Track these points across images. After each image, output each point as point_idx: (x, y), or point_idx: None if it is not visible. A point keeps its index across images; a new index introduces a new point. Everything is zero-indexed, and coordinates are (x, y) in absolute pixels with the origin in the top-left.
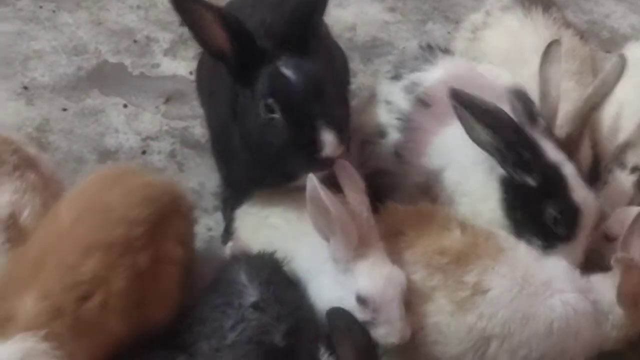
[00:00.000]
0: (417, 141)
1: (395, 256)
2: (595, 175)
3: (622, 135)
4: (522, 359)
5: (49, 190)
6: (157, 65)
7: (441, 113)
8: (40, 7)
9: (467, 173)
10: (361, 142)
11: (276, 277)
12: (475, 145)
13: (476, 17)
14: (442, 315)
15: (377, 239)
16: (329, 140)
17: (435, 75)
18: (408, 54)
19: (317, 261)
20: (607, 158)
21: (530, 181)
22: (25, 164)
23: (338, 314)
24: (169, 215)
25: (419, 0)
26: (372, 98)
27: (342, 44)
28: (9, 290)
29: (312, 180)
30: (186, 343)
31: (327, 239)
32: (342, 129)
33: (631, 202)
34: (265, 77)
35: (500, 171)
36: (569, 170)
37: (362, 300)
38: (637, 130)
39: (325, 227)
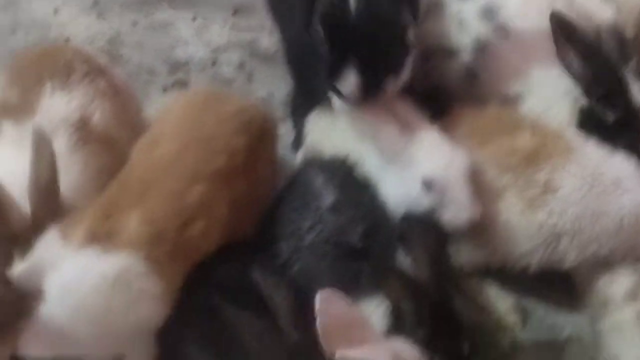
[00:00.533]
0: (494, 68)
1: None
2: None
3: None
4: (592, 255)
5: (119, 98)
6: None
7: (524, 42)
8: None
9: (550, 103)
10: (423, 53)
11: (350, 180)
12: (562, 77)
13: None
14: (512, 213)
15: (426, 125)
16: (350, 82)
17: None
18: None
19: (383, 161)
20: None
21: (610, 116)
22: (95, 71)
23: (414, 221)
24: (262, 139)
25: None
26: (436, 8)
27: None
28: (114, 208)
29: None
30: (265, 245)
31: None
32: (379, 77)
33: None
34: None
35: (582, 102)
36: None
37: (427, 184)
38: None
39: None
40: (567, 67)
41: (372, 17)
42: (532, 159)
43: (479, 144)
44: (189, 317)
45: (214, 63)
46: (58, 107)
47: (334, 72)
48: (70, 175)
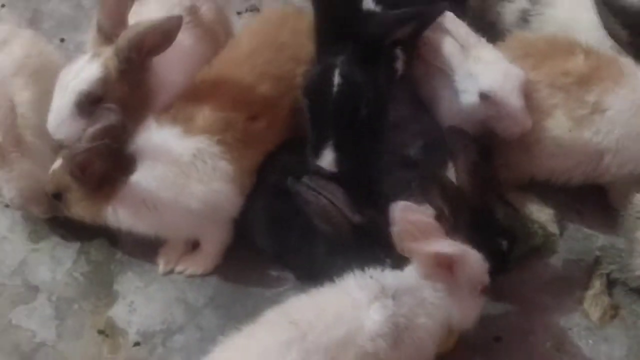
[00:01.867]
0: (547, 15)
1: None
2: None
3: None
4: (628, 172)
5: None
6: None
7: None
8: None
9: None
10: None
11: (414, 100)
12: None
13: None
14: (560, 130)
15: (485, 44)
16: (327, 159)
17: None
18: None
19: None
20: None
21: None
22: None
23: (456, 132)
24: None
25: None
26: None
27: None
28: (191, 97)
29: None
30: None
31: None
32: (355, 151)
33: None
34: (317, 69)
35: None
36: None
37: (484, 96)
38: None
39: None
40: (608, 28)
41: (350, 95)
42: (585, 80)
43: (533, 66)
44: (261, 198)
45: None
46: None
47: (316, 151)
48: (180, 46)
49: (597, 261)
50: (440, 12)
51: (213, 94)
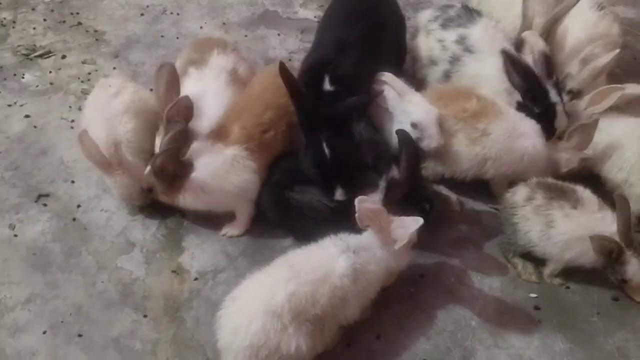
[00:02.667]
0: (462, 72)
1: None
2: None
3: (569, 47)
4: (502, 173)
5: (250, 65)
6: (296, 13)
7: (481, 57)
8: None
9: (496, 92)
10: (412, 58)
11: (367, 126)
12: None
13: None
14: (461, 146)
15: (414, 92)
16: (339, 194)
17: (477, 33)
18: (453, 12)
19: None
20: (560, 63)
21: (536, 109)
22: (236, 49)
23: (402, 133)
24: None
25: None
26: (419, 32)
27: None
28: (227, 122)
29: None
30: None
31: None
32: (356, 186)
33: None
34: (311, 146)
35: (517, 97)
36: (560, 108)
37: (414, 125)
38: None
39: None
40: (511, 80)
41: (339, 157)
42: (477, 115)
43: (444, 105)
44: (271, 187)
45: (290, 59)
46: (220, 62)
47: (329, 192)
48: (224, 99)
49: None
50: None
51: (240, 118)
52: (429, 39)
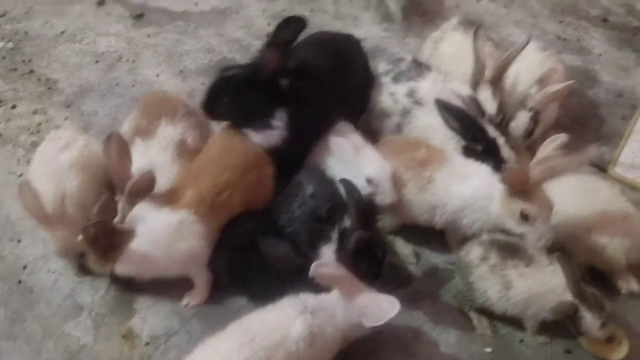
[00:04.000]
0: (413, 123)
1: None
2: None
3: (520, 91)
4: (449, 218)
5: (201, 128)
6: None
7: (430, 108)
8: (188, 25)
9: (445, 140)
10: (367, 110)
11: (323, 179)
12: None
13: (436, 34)
14: (411, 194)
15: (368, 145)
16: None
17: (426, 87)
18: (404, 66)
19: (343, 167)
20: (510, 106)
21: (479, 147)
22: (189, 111)
23: (346, 182)
24: (263, 155)
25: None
26: (379, 87)
27: None
28: (181, 183)
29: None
30: (273, 215)
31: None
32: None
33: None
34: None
35: (462, 142)
36: (501, 141)
37: (369, 180)
38: (533, 86)
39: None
40: (449, 126)
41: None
42: (424, 163)
43: (395, 156)
44: (226, 250)
45: None
46: (168, 133)
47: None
48: (170, 173)
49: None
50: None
51: (195, 181)
52: (382, 91)
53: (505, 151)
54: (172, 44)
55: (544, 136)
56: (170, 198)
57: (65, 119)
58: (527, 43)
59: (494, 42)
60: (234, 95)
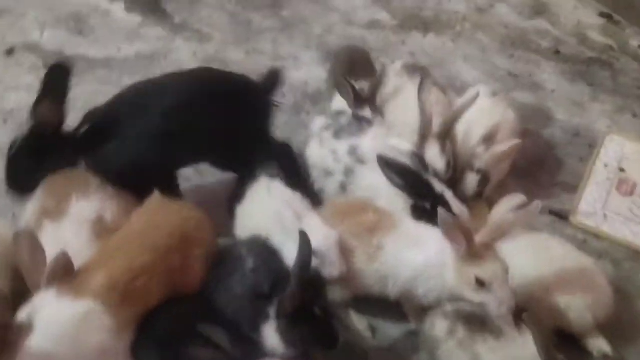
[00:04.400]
0: (357, 183)
1: (333, 228)
2: (454, 173)
3: (471, 146)
4: (402, 288)
5: (121, 197)
6: None
7: (373, 166)
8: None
9: (392, 200)
10: (309, 168)
11: (264, 250)
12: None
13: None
14: (361, 263)
15: (311, 213)
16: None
17: (368, 143)
18: (345, 120)
19: (285, 237)
20: (461, 162)
21: (427, 205)
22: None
23: (303, 234)
24: (194, 234)
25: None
26: (312, 140)
27: (299, 93)
28: (91, 266)
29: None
30: (208, 293)
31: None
32: None
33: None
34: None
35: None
36: (449, 195)
37: (313, 253)
38: (479, 144)
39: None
40: (393, 183)
41: None
42: (372, 229)
43: (341, 221)
44: (145, 344)
45: None
46: (82, 211)
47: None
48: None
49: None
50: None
51: (106, 263)
52: (323, 148)
53: (456, 206)
54: (92, 96)
55: (499, 185)
56: (75, 285)
57: None
58: (477, 97)
59: (441, 88)
60: (32, 165)
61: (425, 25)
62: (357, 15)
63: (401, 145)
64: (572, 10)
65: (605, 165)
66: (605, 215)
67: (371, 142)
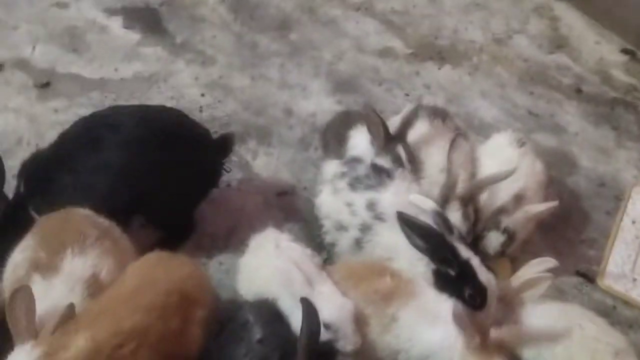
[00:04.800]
0: (375, 241)
1: (346, 293)
2: (476, 234)
3: (497, 203)
4: None
5: (120, 252)
6: None
7: (392, 224)
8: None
9: (412, 263)
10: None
11: (272, 318)
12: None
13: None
14: (374, 334)
15: (324, 278)
16: None
17: (389, 198)
18: (362, 170)
19: (295, 304)
20: (485, 221)
21: (451, 272)
22: (102, 234)
23: (306, 302)
24: (195, 293)
25: (356, 96)
26: (324, 187)
27: (307, 126)
28: (73, 327)
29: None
30: None
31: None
32: None
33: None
34: None
35: (432, 266)
36: (475, 262)
37: (326, 325)
38: (508, 199)
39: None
40: (414, 245)
41: None
42: (387, 297)
43: (354, 285)
44: None
45: None
46: (76, 267)
47: None
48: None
49: None
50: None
51: (93, 324)
52: (337, 199)
53: (483, 275)
54: None
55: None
56: (54, 346)
57: None
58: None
59: (463, 132)
60: None
61: (441, 55)
62: (369, 42)
63: (424, 203)
64: (594, 46)
65: (633, 222)
66: (634, 280)
67: (392, 197)
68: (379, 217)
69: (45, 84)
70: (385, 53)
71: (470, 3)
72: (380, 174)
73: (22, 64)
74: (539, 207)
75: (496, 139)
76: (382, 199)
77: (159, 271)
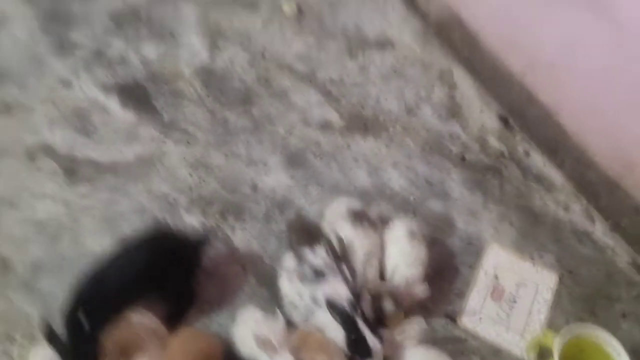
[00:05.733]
0: (316, 321)
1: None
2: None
3: (392, 284)
4: None
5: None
6: (182, 217)
7: (324, 308)
8: (117, 180)
9: (336, 333)
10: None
11: None
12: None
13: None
14: None
15: (286, 354)
16: None
17: (324, 291)
18: (307, 269)
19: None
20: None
21: (352, 336)
22: (159, 338)
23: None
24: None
25: (303, 170)
26: (283, 273)
27: (269, 201)
28: None
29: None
30: None
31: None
32: None
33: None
34: None
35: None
36: (367, 333)
37: None
38: (400, 282)
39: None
40: (335, 320)
41: None
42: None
43: (301, 350)
44: None
45: None
46: None
47: None
48: None
49: None
50: None
51: None
52: (292, 286)
53: (371, 340)
54: (107, 205)
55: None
56: None
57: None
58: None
59: (376, 225)
60: None
61: (366, 126)
62: (312, 114)
63: (342, 295)
64: (479, 114)
65: (485, 273)
66: (480, 319)
67: (326, 290)
68: (317, 303)
69: (69, 170)
70: (325, 126)
71: (390, 70)
72: (318, 275)
73: (49, 151)
74: (420, 289)
75: (394, 230)
76: (320, 291)
77: (193, 344)
